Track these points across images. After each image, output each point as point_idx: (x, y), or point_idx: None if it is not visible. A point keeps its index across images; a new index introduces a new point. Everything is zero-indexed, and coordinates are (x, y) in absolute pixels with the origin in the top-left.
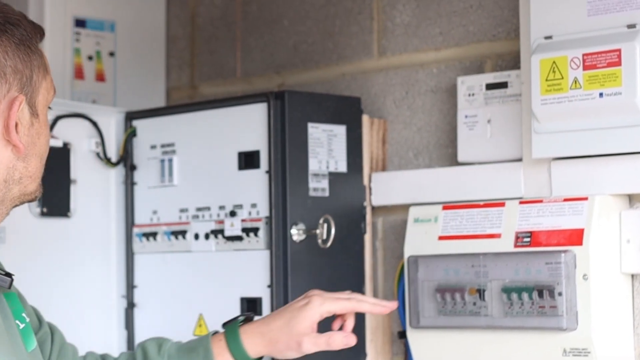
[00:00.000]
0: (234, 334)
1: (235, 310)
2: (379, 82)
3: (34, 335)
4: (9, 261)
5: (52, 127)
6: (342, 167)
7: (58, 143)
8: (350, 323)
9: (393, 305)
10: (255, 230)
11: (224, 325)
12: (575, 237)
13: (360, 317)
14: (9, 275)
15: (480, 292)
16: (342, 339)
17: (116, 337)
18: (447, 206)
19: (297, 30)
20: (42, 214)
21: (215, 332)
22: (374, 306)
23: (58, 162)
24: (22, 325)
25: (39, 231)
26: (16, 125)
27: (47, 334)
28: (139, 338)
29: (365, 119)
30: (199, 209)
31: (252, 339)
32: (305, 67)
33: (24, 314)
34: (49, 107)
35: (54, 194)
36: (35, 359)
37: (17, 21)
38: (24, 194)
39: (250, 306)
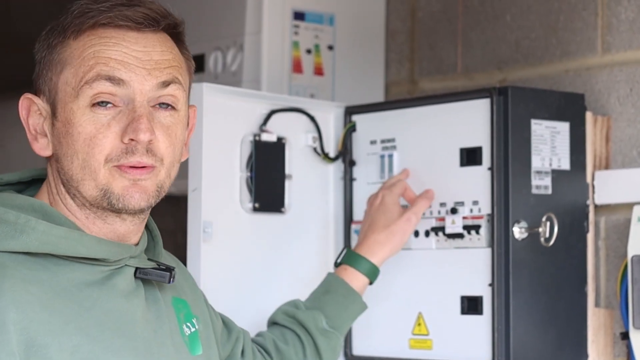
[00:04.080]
0: (354, 257)
1: (455, 310)
2: (603, 79)
3: (201, 341)
4: (217, 257)
5: (266, 121)
6: (565, 165)
7: (272, 138)
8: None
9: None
10: (476, 228)
11: (337, 264)
12: None
13: (581, 319)
14: (169, 270)
15: None
16: (425, 201)
17: None
18: None
19: (520, 26)
20: (255, 210)
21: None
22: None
23: (272, 157)
24: (189, 331)
25: (250, 227)
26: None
27: (239, 340)
28: (356, 335)
29: (588, 116)
30: None
31: (371, 250)
32: (527, 62)
33: (194, 320)
34: (100, 103)
35: (267, 189)
36: None
37: (60, 17)
38: (89, 200)
39: (471, 305)
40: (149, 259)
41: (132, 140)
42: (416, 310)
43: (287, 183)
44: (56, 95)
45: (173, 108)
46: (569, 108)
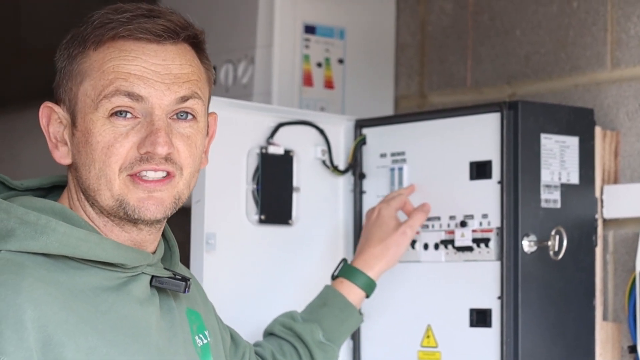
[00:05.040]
0: (351, 270)
1: (464, 322)
2: (612, 94)
3: (212, 354)
4: (221, 268)
5: (273, 134)
6: (574, 179)
7: (279, 150)
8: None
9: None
10: (486, 241)
11: (334, 277)
12: None
13: (589, 332)
14: (185, 280)
15: None
16: (421, 214)
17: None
18: None
19: (530, 41)
20: (261, 222)
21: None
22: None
23: (279, 170)
24: (201, 342)
25: (256, 239)
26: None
27: (245, 355)
28: (365, 347)
29: (598, 130)
30: (429, 219)
31: (368, 264)
32: (537, 77)
33: (206, 332)
34: (118, 113)
35: (274, 201)
36: None
37: (81, 26)
38: (106, 209)
39: (480, 317)
40: (165, 269)
41: (148, 152)
42: (425, 322)
43: (295, 195)
44: (76, 105)
45: (193, 118)
46: (579, 123)
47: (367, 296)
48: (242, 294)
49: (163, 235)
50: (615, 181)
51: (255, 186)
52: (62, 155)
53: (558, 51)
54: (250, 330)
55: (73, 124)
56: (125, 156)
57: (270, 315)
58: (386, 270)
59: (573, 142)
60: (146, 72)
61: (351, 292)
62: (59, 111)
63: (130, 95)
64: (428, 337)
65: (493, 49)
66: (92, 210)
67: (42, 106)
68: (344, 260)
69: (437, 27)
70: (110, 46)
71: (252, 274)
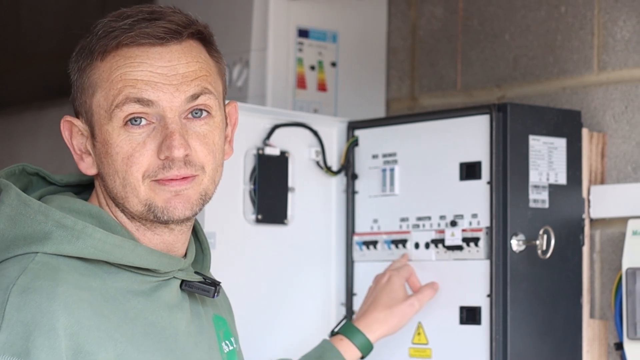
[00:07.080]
0: (351, 329)
1: (454, 320)
2: (599, 97)
3: None
4: (219, 267)
5: (269, 135)
6: (562, 180)
7: (275, 152)
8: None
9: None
10: (475, 240)
11: (333, 333)
12: None
13: (577, 329)
14: (214, 284)
15: None
16: (431, 291)
17: None
18: None
19: (518, 44)
20: (258, 221)
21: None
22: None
23: (275, 170)
24: (228, 348)
25: (253, 238)
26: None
27: None
28: None
29: (585, 132)
30: (419, 219)
31: (369, 327)
32: (525, 80)
33: (232, 339)
34: (133, 121)
35: (271, 201)
36: None
37: (87, 37)
38: (136, 215)
39: (470, 315)
40: (195, 272)
41: (167, 157)
42: (416, 319)
43: (290, 195)
44: (92, 117)
45: (208, 114)
46: (566, 124)
47: (362, 357)
48: (242, 292)
49: (197, 238)
50: (602, 182)
51: (252, 186)
52: (87, 167)
53: (546, 55)
54: (252, 328)
55: (92, 135)
56: (147, 164)
57: (269, 313)
58: (386, 336)
59: (561, 143)
60: (153, 76)
61: (348, 350)
62: (79, 124)
63: (140, 101)
64: (419, 334)
65: (482, 52)
66: (123, 215)
67: (62, 120)
68: (346, 317)
69: (427, 31)
70: (116, 55)
71: (251, 272)
